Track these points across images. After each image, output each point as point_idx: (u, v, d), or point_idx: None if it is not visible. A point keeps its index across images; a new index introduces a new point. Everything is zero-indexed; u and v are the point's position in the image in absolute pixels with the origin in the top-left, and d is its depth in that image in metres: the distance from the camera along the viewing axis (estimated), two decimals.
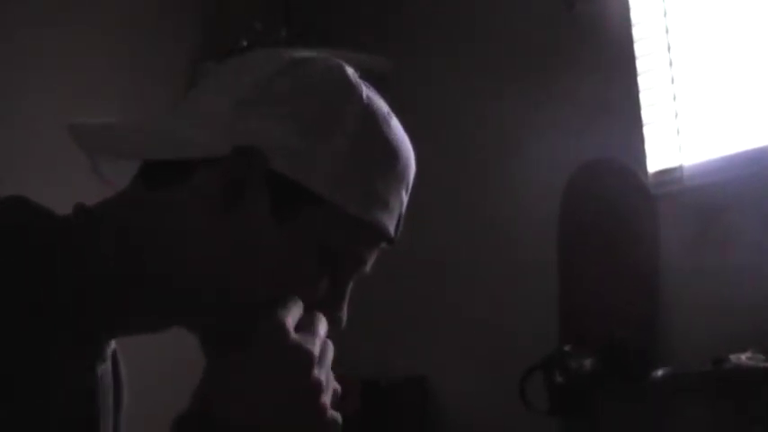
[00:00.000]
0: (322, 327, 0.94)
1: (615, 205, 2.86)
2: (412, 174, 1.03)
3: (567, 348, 2.67)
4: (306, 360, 0.89)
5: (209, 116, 0.97)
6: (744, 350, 2.33)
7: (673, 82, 2.85)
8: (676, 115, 2.84)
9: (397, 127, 1.01)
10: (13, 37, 3.08)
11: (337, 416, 0.93)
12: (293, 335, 0.90)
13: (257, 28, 2.86)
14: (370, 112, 0.98)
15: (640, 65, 2.89)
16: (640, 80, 2.88)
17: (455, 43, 3.43)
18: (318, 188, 0.94)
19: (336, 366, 0.93)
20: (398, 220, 1.01)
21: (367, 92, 1.00)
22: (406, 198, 1.02)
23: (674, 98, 2.84)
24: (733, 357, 2.30)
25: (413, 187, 1.03)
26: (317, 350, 0.91)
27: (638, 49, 2.90)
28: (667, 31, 2.87)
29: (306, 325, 0.93)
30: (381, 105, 1.00)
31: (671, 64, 2.86)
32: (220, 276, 0.95)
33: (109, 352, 1.02)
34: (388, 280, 3.29)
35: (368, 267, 1.02)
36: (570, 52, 3.03)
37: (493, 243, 3.22)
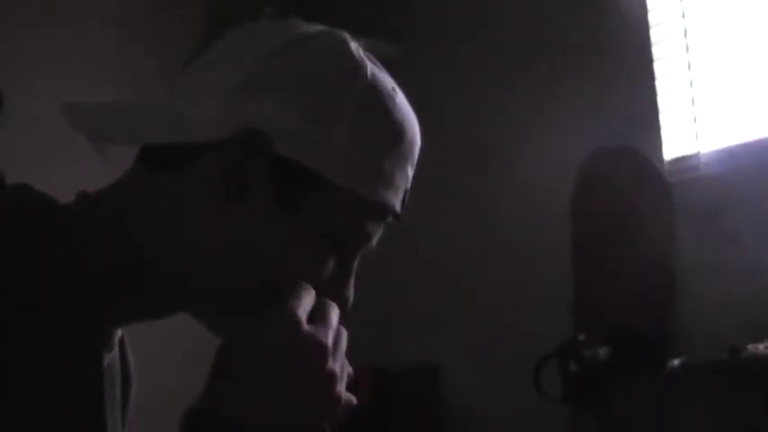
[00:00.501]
0: (334, 315, 0.93)
1: (629, 193, 2.86)
2: (417, 149, 1.02)
3: (581, 337, 2.66)
4: (319, 353, 0.89)
5: (210, 97, 0.95)
6: (761, 340, 2.32)
7: (689, 68, 2.84)
8: (693, 101, 2.83)
9: (402, 103, 1.00)
10: (13, 21, 3.10)
11: (351, 398, 0.93)
12: (305, 326, 0.89)
13: (268, 12, 2.86)
14: (375, 91, 0.97)
15: (656, 50, 2.88)
16: (656, 66, 2.87)
17: (469, 28, 3.42)
18: (325, 172, 0.93)
19: (348, 355, 0.93)
20: (404, 195, 1.01)
21: (371, 68, 0.98)
22: (411, 173, 1.01)
23: (691, 84, 2.84)
24: (750, 347, 2.30)
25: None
26: (330, 340, 0.90)
27: (654, 34, 2.90)
28: (684, 16, 2.87)
29: (317, 313, 0.92)
30: (386, 81, 0.99)
31: (687, 49, 2.85)
32: (223, 265, 0.94)
33: (116, 340, 1.01)
34: (400, 268, 3.39)
35: (373, 243, 1.01)
36: (583, 38, 3.03)
37: (506, 231, 3.22)
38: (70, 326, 0.90)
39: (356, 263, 1.01)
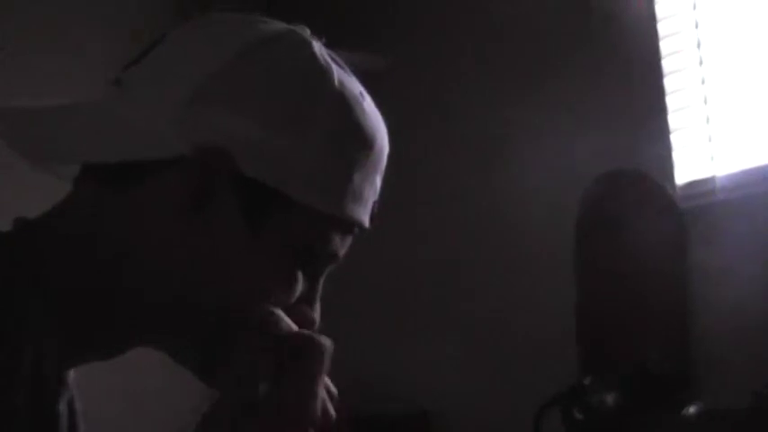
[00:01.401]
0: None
1: (638, 220, 2.83)
2: (386, 156, 1.01)
3: (586, 381, 2.59)
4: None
5: (165, 107, 0.92)
6: None
7: (703, 83, 2.82)
8: (708, 120, 2.80)
9: (370, 108, 0.99)
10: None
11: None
12: (286, 321, 0.91)
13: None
14: (342, 99, 0.96)
15: (667, 64, 2.86)
16: (667, 81, 2.85)
17: (462, 44, 3.41)
18: (291, 191, 0.93)
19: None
20: (373, 207, 1.01)
21: (338, 72, 0.97)
22: (380, 183, 1.01)
23: (706, 101, 2.81)
24: None
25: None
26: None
27: (665, 46, 2.87)
28: (697, 26, 2.84)
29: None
30: (354, 86, 0.98)
31: (701, 63, 2.82)
32: (192, 286, 0.93)
33: (70, 381, 0.98)
34: (389, 303, 3.41)
35: (340, 258, 1.01)
36: (589, 51, 3.02)
37: (505, 264, 3.20)
38: (27, 363, 0.87)
39: (322, 280, 1.01)
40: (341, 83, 0.96)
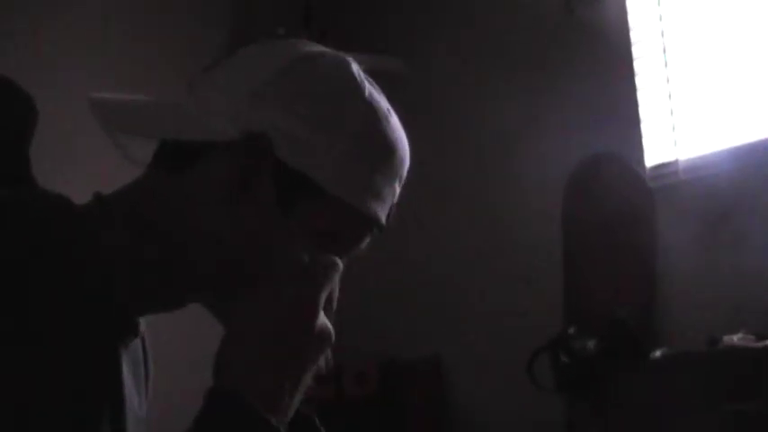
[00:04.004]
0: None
1: (615, 197, 2.96)
2: (406, 168, 1.06)
3: (571, 331, 2.76)
4: (325, 341, 0.95)
5: (223, 102, 0.98)
6: (736, 331, 2.43)
7: (668, 81, 2.96)
8: (672, 112, 2.94)
9: (395, 124, 1.04)
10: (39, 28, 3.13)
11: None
12: (322, 317, 0.94)
13: (280, 33, 3.01)
14: (372, 110, 1.01)
15: (637, 65, 3.00)
16: (637, 80, 2.99)
17: (461, 46, 3.52)
18: (321, 179, 0.97)
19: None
20: (390, 210, 1.05)
21: (370, 89, 1.02)
22: (398, 190, 1.05)
23: (670, 96, 2.96)
24: (726, 339, 2.41)
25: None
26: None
27: (636, 50, 3.02)
28: (663, 35, 2.99)
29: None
30: (382, 103, 1.03)
31: (666, 65, 2.97)
32: (235, 255, 0.98)
33: (142, 328, 1.05)
34: (404, 266, 3.50)
35: (359, 251, 1.05)
36: (571, 54, 3.13)
37: (503, 234, 3.31)
38: (97, 315, 0.94)
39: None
40: (371, 96, 1.02)
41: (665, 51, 2.98)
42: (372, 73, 1.05)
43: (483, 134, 3.42)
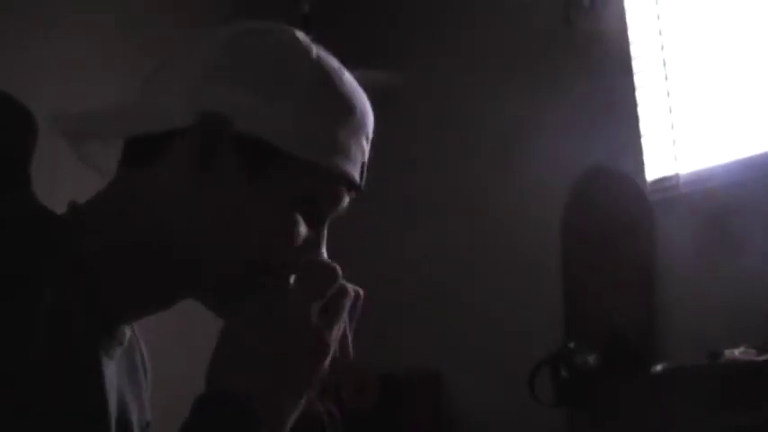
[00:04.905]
0: (347, 304, 0.97)
1: (615, 210, 2.96)
2: (370, 123, 1.05)
3: (571, 345, 2.76)
4: (321, 350, 0.93)
5: (172, 89, 1.00)
6: (737, 345, 2.41)
7: (668, 95, 2.96)
8: (672, 126, 2.94)
9: (349, 80, 1.04)
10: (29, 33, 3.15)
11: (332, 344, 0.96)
12: (313, 321, 0.93)
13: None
14: (321, 69, 1.01)
15: (638, 79, 3.00)
16: (638, 94, 2.99)
17: (460, 57, 3.53)
18: (283, 145, 0.97)
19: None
20: (362, 168, 1.04)
21: (317, 50, 1.02)
22: (367, 146, 1.05)
23: (670, 110, 2.95)
24: (727, 352, 2.39)
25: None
26: (334, 335, 0.94)
27: (636, 64, 3.01)
28: (662, 48, 2.99)
29: (332, 302, 0.96)
30: (332, 61, 1.03)
31: (666, 78, 2.97)
32: (209, 241, 0.98)
33: (126, 335, 1.04)
34: (404, 280, 3.52)
35: (338, 212, 1.05)
36: (571, 68, 3.13)
37: (503, 247, 3.32)
38: (83, 324, 0.93)
39: (325, 231, 1.04)
40: (318, 56, 1.02)
41: (665, 65, 2.98)
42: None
43: (481, 148, 3.44)
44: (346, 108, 1.01)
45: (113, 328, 1.00)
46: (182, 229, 0.98)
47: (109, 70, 3.26)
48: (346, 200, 1.04)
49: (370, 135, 1.05)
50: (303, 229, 1.00)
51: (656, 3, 3.02)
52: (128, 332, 1.05)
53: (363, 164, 1.04)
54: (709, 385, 2.45)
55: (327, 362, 0.93)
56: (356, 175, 1.03)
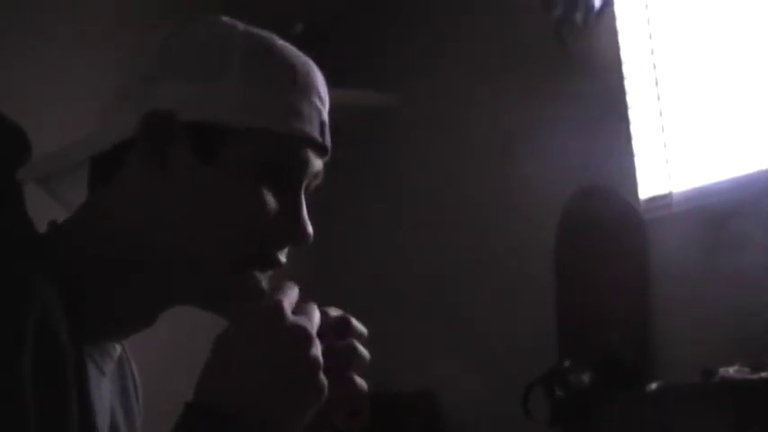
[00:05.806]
0: (316, 312, 0.95)
1: (609, 229, 2.96)
2: (319, 82, 1.05)
3: (566, 364, 2.76)
4: (304, 339, 0.90)
5: (124, 102, 1.01)
6: (731, 363, 2.42)
7: (661, 114, 2.97)
8: (665, 145, 2.95)
9: (284, 46, 1.03)
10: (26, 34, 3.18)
11: (362, 384, 0.99)
12: (290, 316, 0.91)
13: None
14: (251, 40, 1.02)
15: (630, 99, 3.01)
16: (631, 113, 3.00)
17: (455, 73, 3.55)
18: (233, 121, 0.98)
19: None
20: (323, 128, 1.04)
21: (244, 26, 1.03)
22: (321, 106, 1.04)
23: (663, 130, 2.96)
24: (721, 370, 2.40)
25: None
26: (313, 330, 0.92)
27: (628, 84, 3.03)
28: (655, 67, 3.00)
29: (299, 309, 0.94)
30: (262, 33, 1.04)
31: (659, 97, 2.98)
32: (187, 238, 0.98)
33: (115, 353, 1.04)
34: (398, 298, 3.53)
35: (313, 177, 1.04)
36: (564, 88, 3.14)
37: (497, 266, 3.32)
38: (62, 335, 0.90)
39: (302, 197, 1.03)
40: (247, 29, 1.03)
41: (657, 84, 3.00)
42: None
43: (474, 168, 3.45)
44: (287, 70, 1.01)
45: (103, 343, 1.01)
46: (156, 232, 0.98)
47: (104, 77, 3.23)
48: (317, 163, 1.04)
49: (323, 94, 1.05)
50: (271, 200, 1.00)
51: (648, 22, 3.04)
52: (118, 348, 1.05)
53: (323, 123, 1.04)
54: (704, 403, 2.49)
55: (325, 394, 0.92)
56: (315, 134, 1.02)
